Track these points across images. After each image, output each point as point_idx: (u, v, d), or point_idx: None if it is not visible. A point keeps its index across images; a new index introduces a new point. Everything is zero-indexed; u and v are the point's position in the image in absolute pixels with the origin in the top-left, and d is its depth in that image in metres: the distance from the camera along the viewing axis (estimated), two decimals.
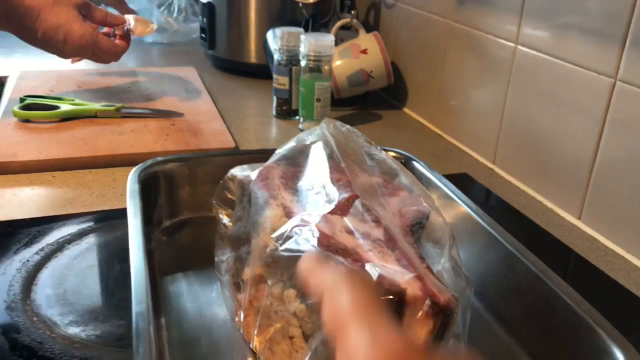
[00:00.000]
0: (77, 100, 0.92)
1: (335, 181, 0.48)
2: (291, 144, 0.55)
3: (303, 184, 0.50)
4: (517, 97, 0.80)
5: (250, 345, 0.47)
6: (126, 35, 0.91)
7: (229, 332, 0.50)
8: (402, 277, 0.37)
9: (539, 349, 0.50)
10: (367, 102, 1.09)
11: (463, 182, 0.80)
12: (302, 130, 0.92)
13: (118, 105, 0.90)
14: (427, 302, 0.36)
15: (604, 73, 0.65)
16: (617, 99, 0.64)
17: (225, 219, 0.56)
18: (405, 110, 1.09)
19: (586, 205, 0.70)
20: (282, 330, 0.43)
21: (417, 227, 0.47)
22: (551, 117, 0.74)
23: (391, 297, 0.36)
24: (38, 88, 0.99)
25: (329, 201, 0.46)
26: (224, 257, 0.53)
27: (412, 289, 0.36)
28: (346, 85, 1.02)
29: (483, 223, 0.58)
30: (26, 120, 0.86)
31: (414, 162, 0.69)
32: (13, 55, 1.22)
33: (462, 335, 0.40)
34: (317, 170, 0.51)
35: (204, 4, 1.18)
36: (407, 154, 0.70)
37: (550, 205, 0.75)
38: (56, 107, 0.88)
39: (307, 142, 0.54)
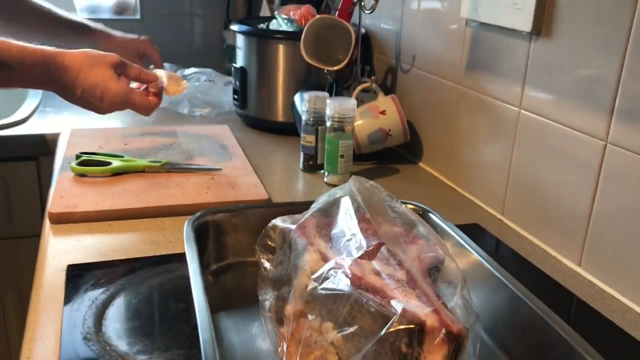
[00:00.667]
0: (125, 157, 1.03)
1: (363, 230, 0.57)
2: (324, 198, 0.64)
3: (336, 232, 0.59)
4: (522, 154, 0.89)
5: None
6: (159, 92, 0.98)
7: None
8: (422, 310, 0.46)
9: None
10: (385, 158, 1.18)
11: (474, 231, 0.88)
12: (327, 183, 1.03)
13: (163, 161, 1.01)
14: (443, 331, 0.44)
15: (596, 136, 0.74)
16: (608, 158, 0.73)
17: (266, 263, 0.65)
18: (421, 164, 1.18)
19: (585, 253, 0.78)
20: (321, 357, 0.52)
21: (434, 271, 0.55)
22: (552, 172, 0.83)
23: (413, 326, 0.44)
24: (88, 145, 1.10)
25: (359, 247, 0.55)
26: (267, 296, 0.62)
27: (431, 320, 0.45)
28: (367, 143, 1.12)
29: (492, 269, 0.66)
30: (82, 175, 0.97)
31: (430, 214, 0.77)
32: (62, 114, 1.34)
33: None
34: (347, 221, 0.60)
35: (236, 67, 1.30)
36: (423, 206, 0.79)
37: (553, 253, 0.83)
38: (108, 163, 0.99)
39: (338, 197, 0.64)
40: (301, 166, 1.10)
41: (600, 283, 0.76)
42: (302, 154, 1.09)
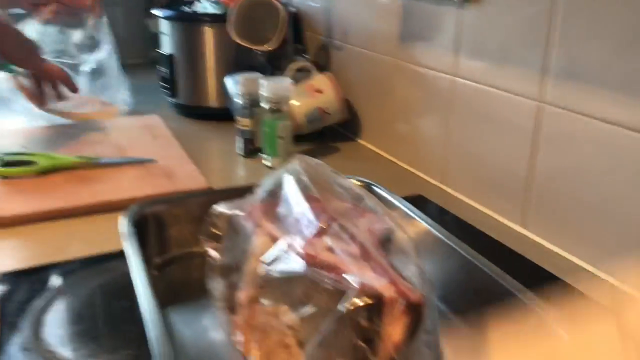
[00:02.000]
0: (52, 155, 0.97)
1: (312, 208, 0.55)
2: (269, 180, 0.62)
3: (284, 213, 0.57)
4: (459, 122, 0.90)
5: (249, 359, 0.53)
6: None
7: (228, 352, 0.56)
8: (378, 283, 0.45)
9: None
10: (325, 136, 1.17)
11: (419, 202, 0.89)
12: (268, 166, 1.01)
13: (93, 156, 0.96)
14: (402, 301, 0.43)
15: (530, 97, 0.76)
16: (542, 119, 0.74)
17: (213, 252, 0.62)
18: (361, 141, 1.18)
19: (529, 215, 0.79)
20: (278, 342, 0.50)
21: (386, 242, 0.54)
22: (490, 137, 0.83)
23: (371, 301, 0.43)
24: (10, 146, 1.03)
25: (309, 226, 0.54)
26: (217, 285, 0.60)
27: (388, 292, 0.44)
28: (305, 123, 1.10)
29: (441, 236, 0.67)
30: (6, 177, 0.90)
31: (374, 187, 0.77)
32: None
33: (432, 331, 0.47)
34: (294, 200, 0.58)
35: (163, 55, 1.25)
36: (368, 181, 0.78)
37: (497, 217, 0.84)
38: (34, 162, 0.93)
39: (283, 177, 0.62)
40: (240, 151, 1.07)
41: (546, 242, 0.77)
42: (239, 138, 1.06)
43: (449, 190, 0.94)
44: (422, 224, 0.69)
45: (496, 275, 0.59)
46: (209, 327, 0.60)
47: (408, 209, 0.72)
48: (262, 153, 1.02)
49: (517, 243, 0.77)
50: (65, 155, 0.97)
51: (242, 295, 0.55)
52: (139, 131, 1.14)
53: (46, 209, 0.81)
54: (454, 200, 0.91)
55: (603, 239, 0.69)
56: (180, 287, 0.68)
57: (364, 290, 0.44)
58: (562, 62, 0.71)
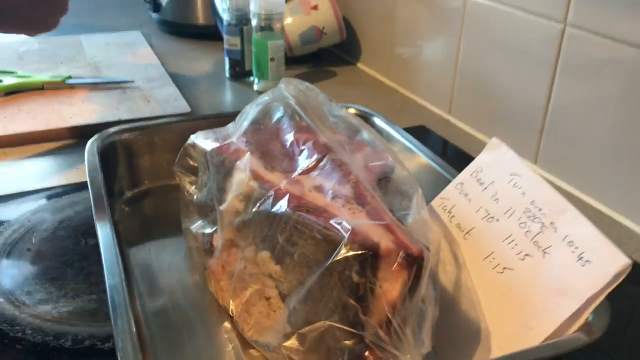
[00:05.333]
0: (20, 73, 0.88)
1: (301, 140, 0.48)
2: (252, 106, 0.54)
3: (268, 146, 0.50)
4: (469, 46, 0.81)
5: (227, 310, 0.47)
6: None
7: (203, 298, 0.50)
8: (374, 231, 0.38)
9: None
10: (321, 59, 1.08)
11: (421, 133, 0.81)
12: (257, 91, 0.92)
13: (65, 75, 0.87)
14: (401, 254, 0.37)
15: (553, 18, 0.66)
16: (567, 43, 0.66)
17: (188, 186, 0.55)
18: (360, 65, 1.09)
19: (541, 150, 0.72)
20: (258, 292, 0.44)
21: (384, 182, 0.47)
22: (503, 65, 0.75)
23: (365, 251, 0.36)
24: None
25: (296, 161, 0.46)
26: (191, 224, 0.53)
27: (385, 242, 0.37)
28: (299, 43, 1.00)
29: (443, 172, 0.60)
30: None
31: (374, 118, 0.69)
32: None
33: (434, 287, 0.41)
34: (281, 130, 0.51)
35: None
36: (366, 109, 0.70)
37: None
38: None
39: (268, 103, 0.54)
40: (227, 74, 0.98)
41: (557, 180, 0.70)
42: (227, 59, 0.97)
43: (455, 121, 0.86)
44: (423, 157, 0.62)
45: None
46: (183, 269, 0.54)
47: (409, 141, 0.65)
48: (251, 76, 0.94)
49: None
50: (34, 73, 0.88)
51: (218, 237, 0.48)
52: (118, 49, 1.04)
53: (10, 133, 0.73)
54: (459, 132, 0.83)
55: (615, 176, 0.62)
56: (153, 223, 0.62)
57: (355, 239, 0.37)
58: None
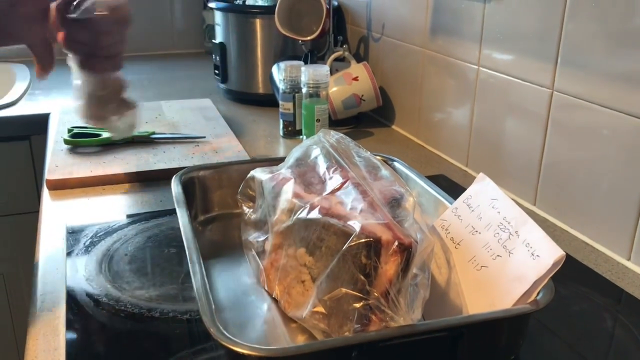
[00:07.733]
0: None
1: (331, 171, 0.64)
2: (297, 150, 0.72)
3: (307, 176, 0.66)
4: (481, 108, 0.96)
5: (273, 295, 0.63)
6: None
7: (256, 291, 0.66)
8: (378, 227, 0.53)
9: None
10: (360, 122, 1.26)
11: (440, 181, 0.96)
12: None
13: (150, 131, 1.08)
14: (396, 243, 0.52)
15: (543, 85, 0.82)
16: (554, 105, 0.81)
17: (248, 210, 0.72)
18: (394, 127, 1.26)
19: (538, 194, 0.86)
20: (295, 278, 0.59)
21: (394, 202, 0.63)
22: (507, 123, 0.90)
23: (370, 239, 0.52)
24: (79, 122, 1.16)
25: (328, 186, 0.63)
26: (249, 236, 0.70)
27: (385, 235, 0.52)
28: (342, 108, 1.19)
29: (444, 200, 0.74)
30: (74, 146, 1.03)
31: (394, 162, 0.85)
32: (51, 95, 1.40)
33: (424, 277, 0.55)
34: (317, 165, 0.67)
35: (216, 43, 1.37)
36: (389, 156, 0.86)
37: (510, 195, 0.91)
38: (98, 135, 1.05)
39: (309, 146, 0.71)
40: (281, 132, 1.17)
41: (553, 219, 0.84)
42: (281, 120, 1.16)
43: (470, 171, 1.01)
44: (438, 197, 0.76)
45: None
46: (242, 274, 0.70)
47: (425, 182, 0.79)
48: (301, 135, 1.12)
49: None
50: None
51: (269, 243, 0.64)
52: (192, 112, 1.26)
53: (108, 174, 0.93)
54: (472, 180, 0.97)
55: (595, 215, 0.75)
56: (220, 241, 0.78)
57: (364, 232, 0.53)
58: (571, 53, 0.77)
